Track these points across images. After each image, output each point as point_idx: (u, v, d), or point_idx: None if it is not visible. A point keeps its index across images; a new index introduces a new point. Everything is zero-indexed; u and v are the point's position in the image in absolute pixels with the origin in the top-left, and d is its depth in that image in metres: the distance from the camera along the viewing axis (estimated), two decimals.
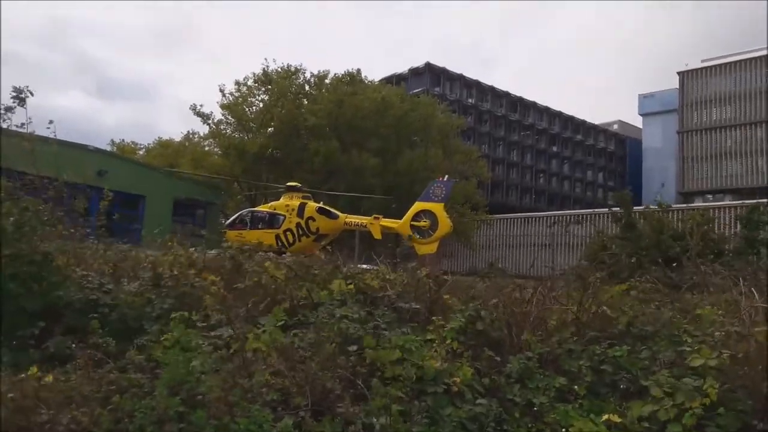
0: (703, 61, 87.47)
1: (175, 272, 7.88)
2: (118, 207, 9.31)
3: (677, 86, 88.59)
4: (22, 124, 8.61)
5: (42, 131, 9.37)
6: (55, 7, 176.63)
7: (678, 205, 40.26)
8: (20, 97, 8.39)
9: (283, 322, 5.97)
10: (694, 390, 5.35)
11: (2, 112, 8.34)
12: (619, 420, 5.29)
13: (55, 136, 9.79)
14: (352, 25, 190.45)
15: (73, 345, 6.18)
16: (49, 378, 5.17)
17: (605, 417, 5.32)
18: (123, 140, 74.16)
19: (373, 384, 5.14)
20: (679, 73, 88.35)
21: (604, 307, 7.60)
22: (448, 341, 6.39)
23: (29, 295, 6.76)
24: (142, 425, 4.56)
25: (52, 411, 4.76)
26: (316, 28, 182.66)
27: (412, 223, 21.47)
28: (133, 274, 8.47)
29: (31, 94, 8.41)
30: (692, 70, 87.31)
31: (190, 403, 4.71)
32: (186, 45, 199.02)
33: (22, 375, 5.17)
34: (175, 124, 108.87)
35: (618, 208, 28.56)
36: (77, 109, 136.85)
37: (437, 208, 21.55)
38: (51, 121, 9.55)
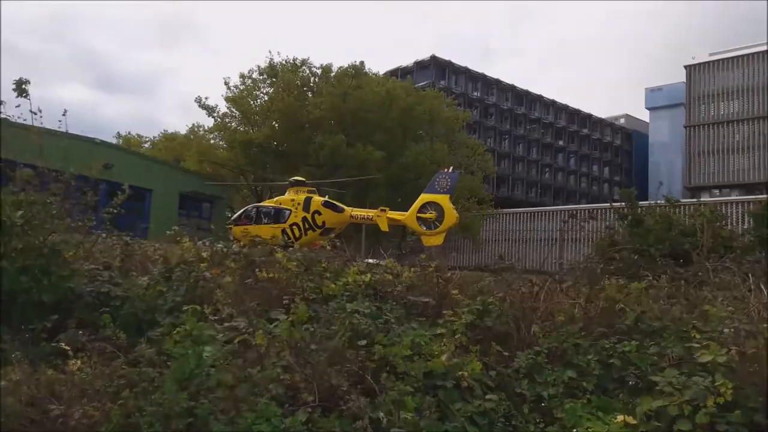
0: (711, 54, 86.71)
1: (187, 265, 7.90)
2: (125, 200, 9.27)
3: (684, 80, 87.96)
4: (31, 113, 8.51)
5: (46, 123, 9.29)
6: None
7: (687, 200, 39.96)
8: (22, 88, 8.29)
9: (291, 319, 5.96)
10: (706, 389, 5.31)
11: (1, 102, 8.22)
12: (633, 422, 5.20)
13: (63, 126, 9.72)
14: (356, 19, 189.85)
15: (81, 335, 6.16)
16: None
17: (620, 418, 5.23)
18: (129, 132, 74.37)
19: (383, 379, 5.14)
20: (686, 67, 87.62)
21: (612, 302, 7.59)
22: (458, 336, 6.40)
23: (40, 288, 6.77)
24: (151, 421, 4.57)
25: (63, 405, 4.78)
26: (319, 22, 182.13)
27: (418, 215, 21.44)
28: (142, 267, 8.50)
29: (28, 82, 8.26)
30: (700, 64, 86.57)
31: (198, 397, 4.70)
32: (188, 38, 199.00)
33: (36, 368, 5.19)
34: (177, 118, 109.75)
35: (621, 204, 28.34)
36: (78, 102, 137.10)
37: (443, 199, 21.48)
38: (66, 111, 9.51)
